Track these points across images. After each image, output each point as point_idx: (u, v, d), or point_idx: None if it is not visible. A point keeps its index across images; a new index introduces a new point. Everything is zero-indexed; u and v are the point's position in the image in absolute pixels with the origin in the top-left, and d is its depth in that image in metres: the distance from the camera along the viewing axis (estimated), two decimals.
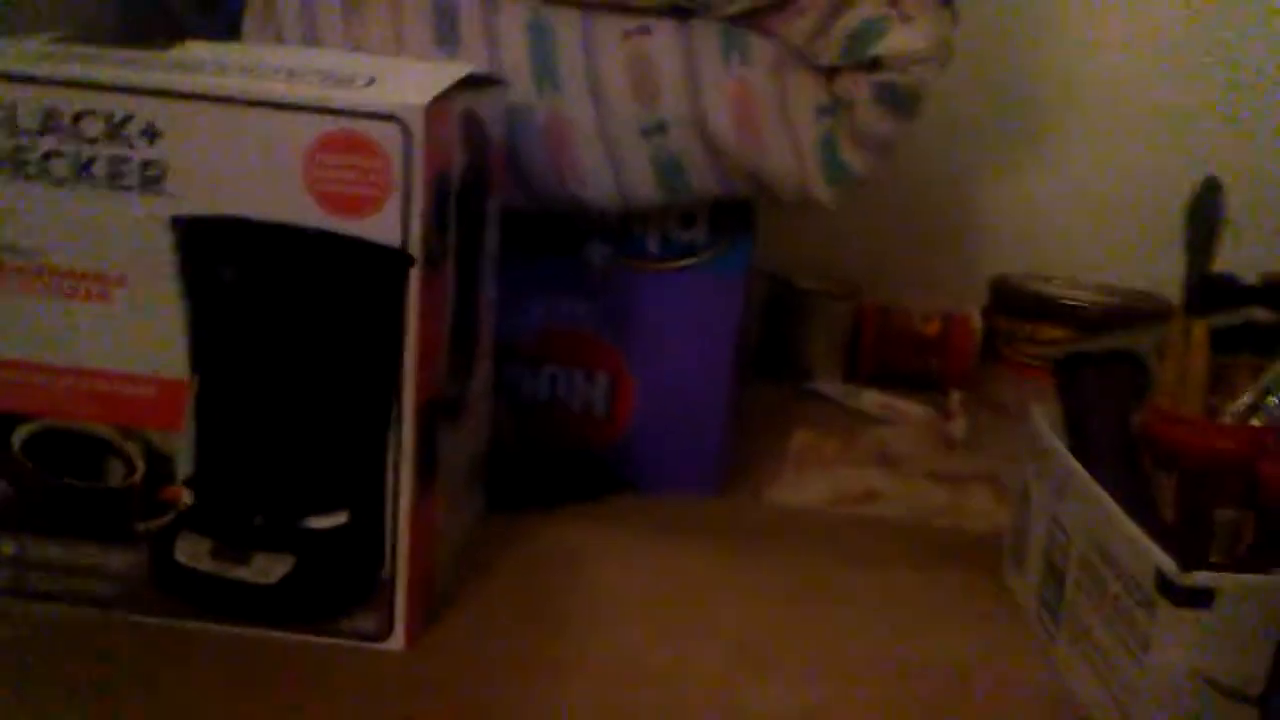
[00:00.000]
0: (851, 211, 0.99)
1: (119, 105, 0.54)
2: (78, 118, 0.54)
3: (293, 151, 0.53)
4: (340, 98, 0.53)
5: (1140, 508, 0.58)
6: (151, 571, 0.58)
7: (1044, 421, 0.68)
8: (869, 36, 0.70)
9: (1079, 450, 0.65)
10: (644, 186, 0.74)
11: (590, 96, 0.72)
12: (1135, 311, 1.00)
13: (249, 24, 0.73)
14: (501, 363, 0.76)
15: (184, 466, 0.57)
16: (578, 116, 0.72)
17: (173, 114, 0.54)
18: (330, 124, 0.53)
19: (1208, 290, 0.75)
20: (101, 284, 0.56)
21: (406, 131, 0.53)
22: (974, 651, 0.64)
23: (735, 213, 0.79)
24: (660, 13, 0.71)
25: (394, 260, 0.54)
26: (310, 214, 0.54)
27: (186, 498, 0.58)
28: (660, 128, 0.72)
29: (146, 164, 0.54)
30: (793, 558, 0.73)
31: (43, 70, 0.54)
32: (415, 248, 0.54)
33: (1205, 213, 0.70)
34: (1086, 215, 1.14)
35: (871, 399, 1.02)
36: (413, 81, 0.56)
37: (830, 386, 1.03)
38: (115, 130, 0.54)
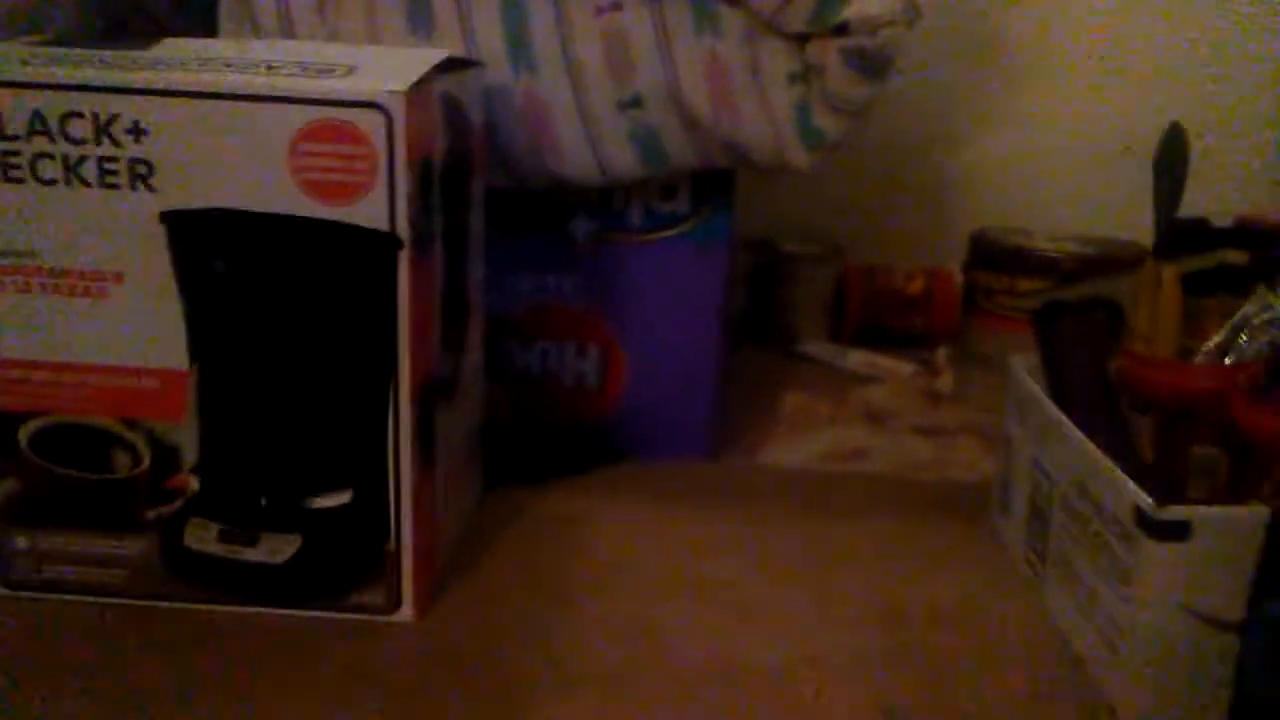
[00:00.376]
0: (832, 175, 1.00)
1: (104, 105, 0.55)
2: (65, 119, 0.55)
3: (277, 142, 0.55)
4: (321, 87, 0.55)
5: (1119, 449, 0.60)
6: (162, 558, 0.60)
7: (1023, 370, 0.70)
8: (835, 2, 0.71)
9: (1059, 396, 0.66)
10: (623, 160, 0.75)
11: (566, 75, 0.73)
12: (1114, 260, 1.01)
13: (225, 19, 0.74)
14: (493, 340, 0.78)
15: (189, 455, 0.59)
16: (555, 95, 0.73)
17: (158, 111, 0.55)
18: (313, 113, 0.54)
19: (1179, 235, 0.77)
20: (99, 281, 0.57)
21: (389, 117, 0.54)
22: (964, 597, 0.66)
23: (716, 182, 0.80)
24: None
25: (383, 244, 0.56)
26: (297, 203, 0.55)
27: (193, 485, 0.59)
28: (636, 101, 0.74)
29: (135, 162, 0.55)
30: (786, 515, 0.75)
31: (27, 75, 0.55)
32: (403, 231, 0.56)
33: (1171, 158, 0.71)
34: (1064, 167, 1.15)
35: (858, 359, 1.03)
36: (392, 68, 0.57)
37: (818, 348, 1.05)
38: (102, 130, 0.55)
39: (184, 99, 0.55)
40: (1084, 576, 0.59)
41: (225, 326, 0.58)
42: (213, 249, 0.56)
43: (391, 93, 0.54)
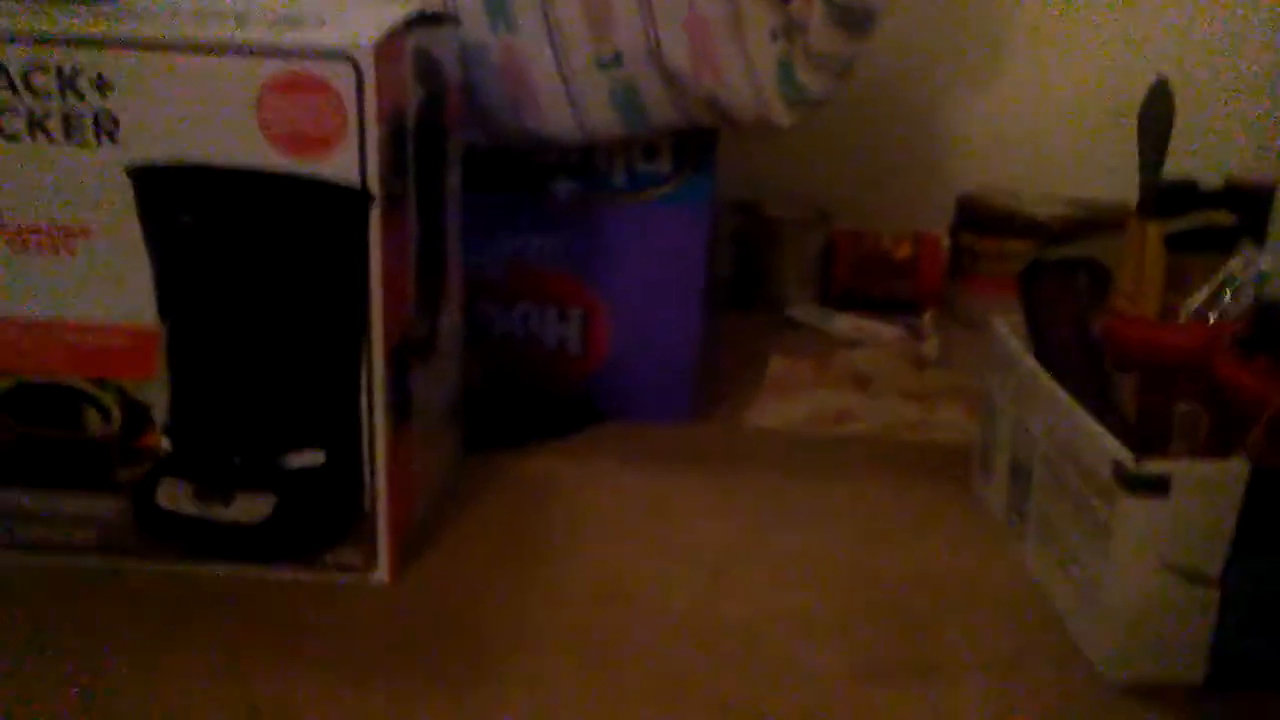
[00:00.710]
0: (818, 138, 0.99)
1: (67, 58, 0.54)
2: (27, 73, 0.54)
3: (245, 95, 0.54)
4: (289, 39, 0.54)
5: (1101, 406, 0.60)
6: (135, 518, 0.59)
7: (1005, 329, 0.69)
8: None
9: (1042, 355, 0.66)
10: (604, 119, 0.74)
11: (545, 32, 0.72)
12: (1102, 222, 1.01)
13: None
14: (474, 302, 0.77)
15: (160, 413, 0.58)
16: (534, 53, 0.72)
17: (123, 64, 0.54)
18: (280, 65, 0.53)
19: (1166, 195, 0.76)
20: (66, 237, 0.56)
21: (358, 70, 0.53)
22: (945, 555, 0.65)
23: (698, 142, 0.79)
24: None
25: (352, 199, 0.55)
26: (266, 156, 0.54)
27: (165, 444, 0.59)
28: (616, 59, 0.73)
29: (100, 115, 0.54)
30: (769, 477, 0.74)
31: None
32: (374, 186, 0.55)
33: (1155, 116, 0.71)
34: (1051, 130, 1.14)
35: (845, 322, 1.03)
36: (363, 21, 0.56)
37: (804, 312, 1.04)
38: (67, 84, 0.54)
39: (149, 50, 0.54)
40: (1064, 534, 0.59)
41: (194, 283, 0.57)
42: (180, 204, 0.55)
43: (360, 45, 0.53)
